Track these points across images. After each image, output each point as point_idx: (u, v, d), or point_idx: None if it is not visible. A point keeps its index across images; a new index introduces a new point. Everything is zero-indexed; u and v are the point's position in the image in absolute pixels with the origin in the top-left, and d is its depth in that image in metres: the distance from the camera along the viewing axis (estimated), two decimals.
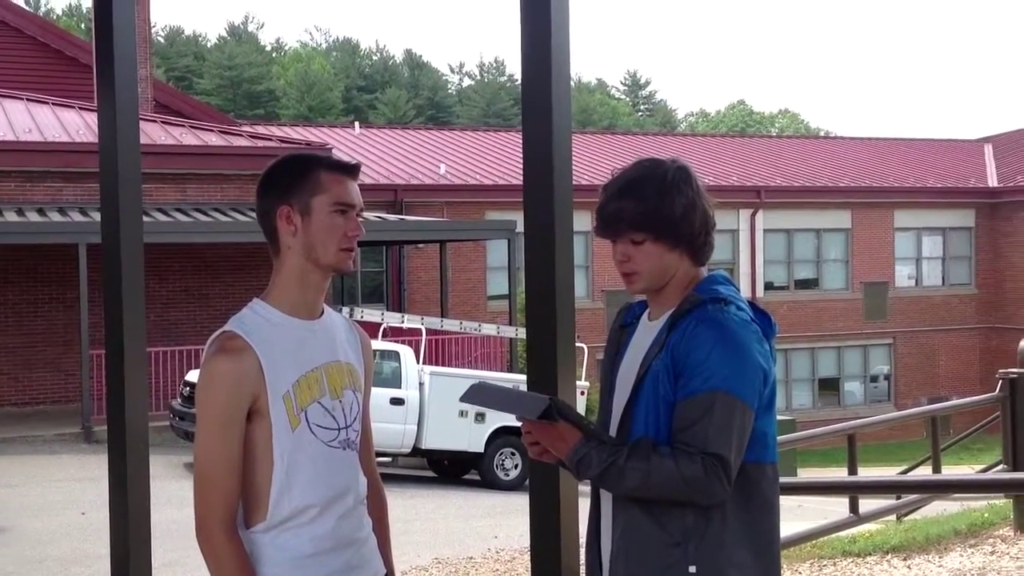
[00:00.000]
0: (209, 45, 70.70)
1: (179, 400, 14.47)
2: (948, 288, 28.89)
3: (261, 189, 2.36)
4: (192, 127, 19.85)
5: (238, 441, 2.23)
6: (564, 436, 2.22)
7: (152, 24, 25.26)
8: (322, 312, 2.40)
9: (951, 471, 12.09)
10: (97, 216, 3.19)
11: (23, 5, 40.58)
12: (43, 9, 66.45)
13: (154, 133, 18.41)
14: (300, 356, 2.31)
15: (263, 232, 2.36)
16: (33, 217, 16.37)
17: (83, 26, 56.44)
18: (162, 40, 65.32)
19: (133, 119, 3.20)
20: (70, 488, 12.07)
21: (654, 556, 2.21)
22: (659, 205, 2.25)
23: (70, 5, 69.24)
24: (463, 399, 2.33)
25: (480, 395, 2.30)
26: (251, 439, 2.25)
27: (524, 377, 2.62)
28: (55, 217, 16.45)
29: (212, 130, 19.98)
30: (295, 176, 2.32)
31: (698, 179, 2.33)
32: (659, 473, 2.13)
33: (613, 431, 2.30)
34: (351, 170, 2.36)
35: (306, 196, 2.30)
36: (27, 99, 20.06)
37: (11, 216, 16.32)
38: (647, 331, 2.34)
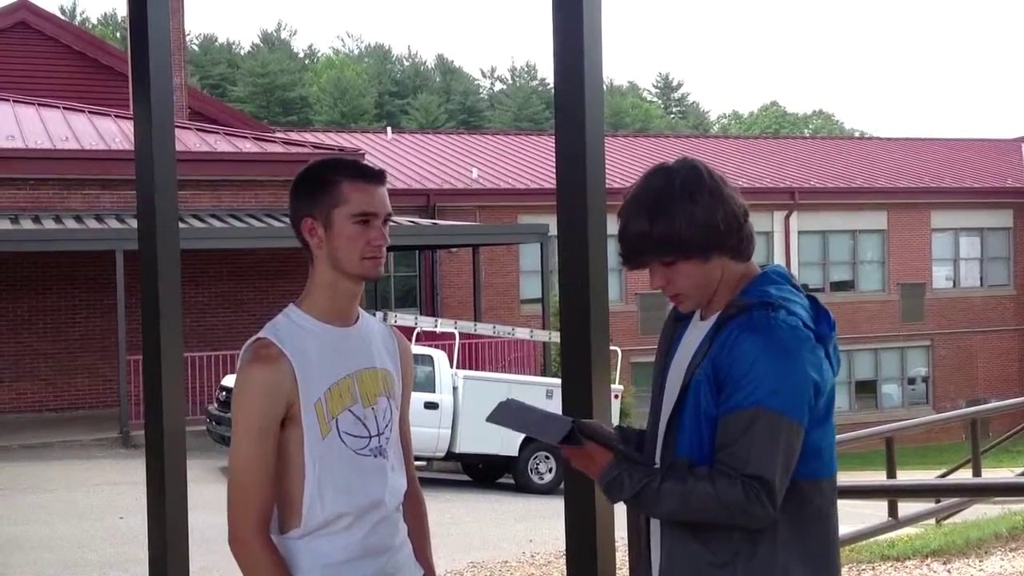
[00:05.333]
0: (242, 53, 71.32)
1: (215, 405, 14.57)
2: (986, 289, 28.57)
3: (290, 197, 2.39)
4: (226, 134, 20.00)
5: (273, 449, 2.24)
6: (594, 457, 2.14)
7: (186, 32, 25.52)
8: (357, 318, 2.41)
9: (991, 474, 11.95)
10: (134, 223, 3.23)
11: (58, 15, 41.09)
12: (78, 19, 67.29)
13: (189, 140, 18.58)
14: (333, 363, 2.31)
15: (297, 238, 2.39)
16: (71, 224, 16.56)
17: (118, 35, 57.08)
18: (196, 48, 65.93)
19: (169, 127, 3.23)
20: (108, 492, 12.18)
21: None
22: (676, 223, 2.10)
23: (105, 14, 70.11)
24: (489, 419, 2.27)
25: (506, 416, 2.24)
26: (284, 446, 2.26)
27: (558, 381, 2.60)
28: (92, 224, 16.63)
29: (246, 137, 20.12)
30: (316, 187, 2.33)
31: (713, 173, 2.16)
32: (696, 497, 2.02)
33: (660, 441, 2.19)
34: (375, 177, 2.35)
35: (328, 208, 2.31)
36: (64, 108, 20.29)
37: (49, 224, 16.52)
38: (697, 331, 2.20)
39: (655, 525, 2.24)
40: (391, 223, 2.41)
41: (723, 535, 2.07)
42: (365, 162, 2.46)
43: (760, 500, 1.99)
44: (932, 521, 9.47)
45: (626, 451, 2.17)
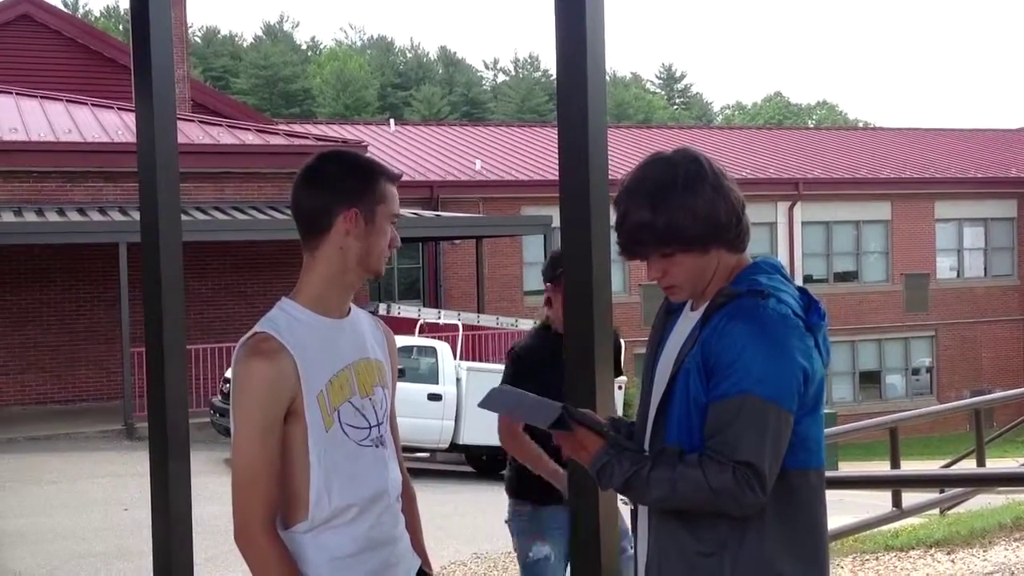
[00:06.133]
0: (245, 45, 71.25)
1: (219, 397, 14.59)
2: (990, 279, 28.54)
3: (319, 183, 2.33)
4: (229, 126, 19.99)
5: (277, 444, 2.23)
6: (584, 444, 2.14)
7: (189, 25, 25.49)
8: (349, 310, 2.41)
9: (995, 464, 11.95)
10: (137, 215, 3.22)
11: (61, 8, 41.09)
12: (81, 11, 67.23)
13: (192, 133, 18.56)
14: (331, 355, 2.31)
15: (307, 226, 2.33)
16: (74, 217, 16.56)
17: (121, 27, 57.04)
18: (199, 40, 65.86)
19: (171, 120, 3.22)
20: (112, 484, 12.20)
21: (687, 567, 2.11)
22: (679, 215, 2.10)
23: (107, 7, 70.04)
24: (480, 405, 2.28)
25: (497, 401, 2.24)
26: (288, 440, 2.25)
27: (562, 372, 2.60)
28: (95, 217, 16.63)
29: (249, 129, 20.11)
30: (363, 182, 2.33)
31: (713, 165, 2.16)
32: (686, 483, 2.01)
33: (648, 429, 2.20)
34: (398, 180, 2.42)
35: (373, 204, 2.32)
36: (66, 100, 20.29)
37: (52, 216, 16.52)
38: (687, 321, 2.21)
39: (642, 514, 2.24)
40: None
41: (710, 524, 2.07)
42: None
43: (751, 486, 1.99)
44: (936, 511, 9.46)
45: (617, 438, 2.16)
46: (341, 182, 2.32)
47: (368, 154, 2.57)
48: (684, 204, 2.11)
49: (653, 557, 2.19)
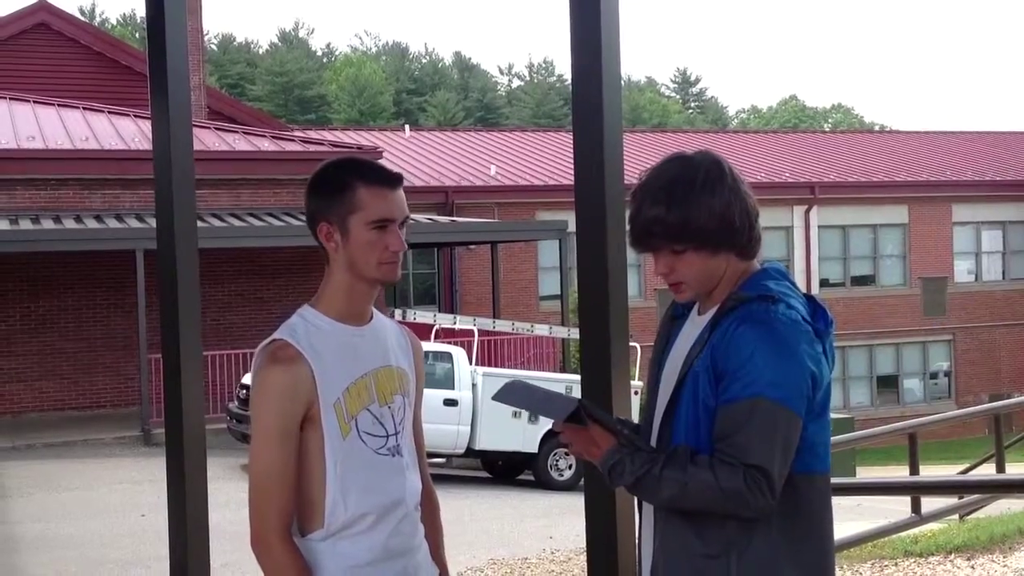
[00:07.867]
0: (261, 52, 71.56)
1: (236, 403, 14.62)
2: (1009, 282, 28.37)
3: (307, 197, 2.36)
4: (245, 133, 20.05)
5: (294, 451, 2.23)
6: (596, 440, 2.14)
7: (205, 32, 25.60)
8: (371, 317, 2.39)
9: (1015, 469, 11.87)
10: (154, 222, 3.22)
11: (78, 16, 41.31)
12: (98, 19, 67.63)
13: (208, 139, 18.63)
14: (350, 363, 2.30)
15: (313, 238, 2.38)
16: (91, 224, 16.64)
17: (137, 35, 57.34)
18: (215, 48, 66.20)
19: (186, 127, 3.23)
20: (130, 490, 12.24)
21: (692, 568, 2.11)
22: (694, 212, 2.11)
23: (124, 15, 70.44)
24: (494, 398, 2.28)
25: (512, 394, 2.23)
26: (304, 447, 2.24)
27: (577, 377, 2.59)
28: (112, 224, 16.71)
29: (265, 136, 20.17)
30: (332, 191, 2.30)
31: (732, 170, 2.18)
32: (697, 485, 2.02)
33: (654, 432, 2.20)
34: (391, 181, 2.31)
35: (344, 214, 2.28)
36: (83, 108, 20.40)
37: (70, 223, 16.60)
38: (694, 326, 2.22)
39: (648, 515, 2.24)
40: (409, 221, 2.39)
41: (717, 526, 2.08)
42: (381, 163, 2.41)
43: (761, 490, 2.01)
44: (956, 517, 9.41)
45: (629, 436, 2.16)
46: (315, 195, 2.33)
47: (380, 160, 2.55)
48: (700, 202, 2.12)
49: (659, 558, 2.19)
